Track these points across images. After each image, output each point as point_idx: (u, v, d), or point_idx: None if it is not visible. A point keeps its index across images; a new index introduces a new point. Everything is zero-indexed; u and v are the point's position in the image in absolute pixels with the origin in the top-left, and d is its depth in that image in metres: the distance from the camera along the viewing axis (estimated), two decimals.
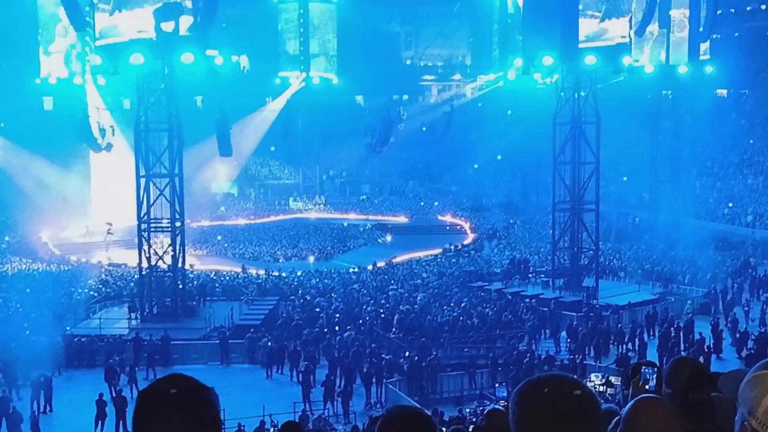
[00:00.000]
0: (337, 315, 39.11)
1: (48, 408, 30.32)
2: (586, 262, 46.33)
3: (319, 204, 77.23)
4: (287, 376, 34.22)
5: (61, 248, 58.80)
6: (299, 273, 50.19)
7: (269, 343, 35.51)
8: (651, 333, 38.16)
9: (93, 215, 63.02)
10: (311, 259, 57.17)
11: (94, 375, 33.32)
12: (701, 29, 53.73)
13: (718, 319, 38.07)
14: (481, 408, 27.26)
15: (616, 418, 3.90)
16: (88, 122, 51.28)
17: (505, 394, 28.42)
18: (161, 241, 42.98)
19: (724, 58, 58.02)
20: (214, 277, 49.60)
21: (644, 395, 3.58)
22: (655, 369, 4.40)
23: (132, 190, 41.91)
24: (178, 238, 41.49)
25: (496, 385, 31.12)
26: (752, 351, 33.66)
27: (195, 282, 46.44)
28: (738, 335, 36.25)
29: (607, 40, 43.58)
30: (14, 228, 58.58)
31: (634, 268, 49.32)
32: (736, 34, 70.73)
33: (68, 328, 37.90)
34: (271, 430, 24.77)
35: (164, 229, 41.78)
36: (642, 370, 4.44)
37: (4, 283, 47.21)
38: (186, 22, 38.73)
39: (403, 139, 76.12)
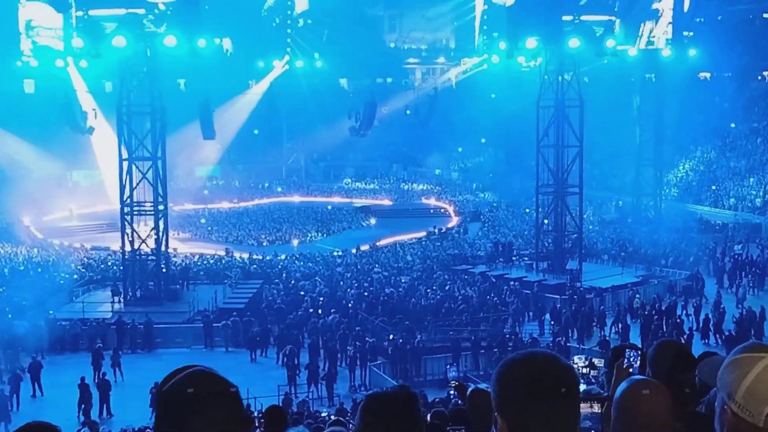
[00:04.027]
0: (321, 298, 39.12)
1: (40, 392, 30.37)
2: (569, 245, 46.44)
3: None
4: (272, 360, 34.24)
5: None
6: (283, 256, 50.14)
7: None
8: (634, 315, 38.33)
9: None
10: (295, 242, 57.08)
11: (78, 359, 33.29)
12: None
13: (700, 302, 38.28)
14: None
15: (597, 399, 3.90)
16: (72, 105, 51.03)
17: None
18: (145, 225, 42.83)
19: (707, 42, 58.11)
20: (198, 261, 49.48)
21: (638, 377, 3.58)
22: (639, 352, 4.41)
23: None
24: (161, 222, 41.36)
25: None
26: (733, 333, 33.89)
27: (178, 265, 46.32)
28: (718, 317, 36.42)
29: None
30: None
31: (617, 251, 49.49)
32: (720, 17, 70.87)
33: (51, 311, 37.75)
34: (255, 413, 24.77)
35: (147, 212, 41.62)
36: (626, 353, 4.45)
37: None
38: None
39: (386, 122, 76.11)
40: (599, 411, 3.20)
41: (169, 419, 2.61)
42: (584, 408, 3.20)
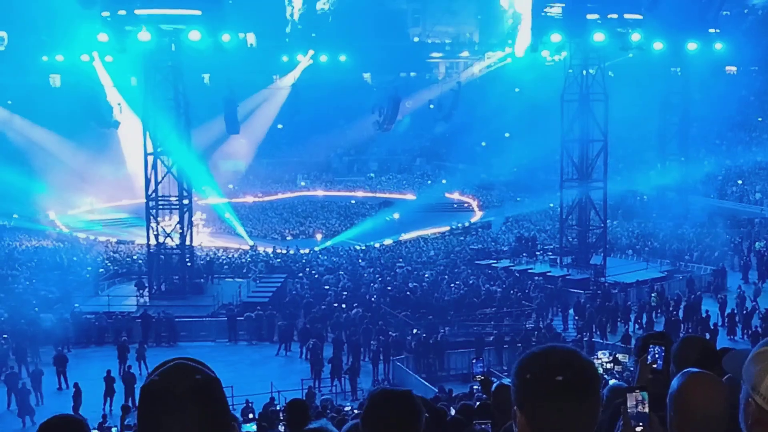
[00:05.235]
0: (345, 293, 39.17)
1: (66, 385, 30.49)
2: (593, 240, 46.27)
3: None
4: (295, 353, 34.33)
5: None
6: (306, 250, 50.25)
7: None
8: (659, 311, 38.11)
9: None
10: (318, 236, 57.18)
11: (104, 352, 33.52)
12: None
13: (725, 297, 38.02)
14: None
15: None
16: (97, 99, 51.36)
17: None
18: (171, 219, 43.04)
19: (733, 35, 57.64)
20: (222, 255, 49.66)
21: (693, 369, 3.54)
22: (663, 348, 4.39)
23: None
24: (186, 216, 41.54)
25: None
26: (759, 329, 33.65)
27: (203, 259, 46.50)
28: (744, 313, 36.17)
29: None
30: (24, 204, 58.49)
31: (641, 245, 49.24)
32: (746, 10, 70.31)
33: (77, 305, 38.03)
34: (278, 406, 24.85)
35: (172, 206, 41.82)
36: (650, 349, 4.43)
37: (12, 261, 47.32)
38: None
39: (410, 116, 76.07)
40: (647, 410, 3.16)
41: (144, 418, 2.54)
42: (632, 408, 3.16)
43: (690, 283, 41.08)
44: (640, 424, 3.09)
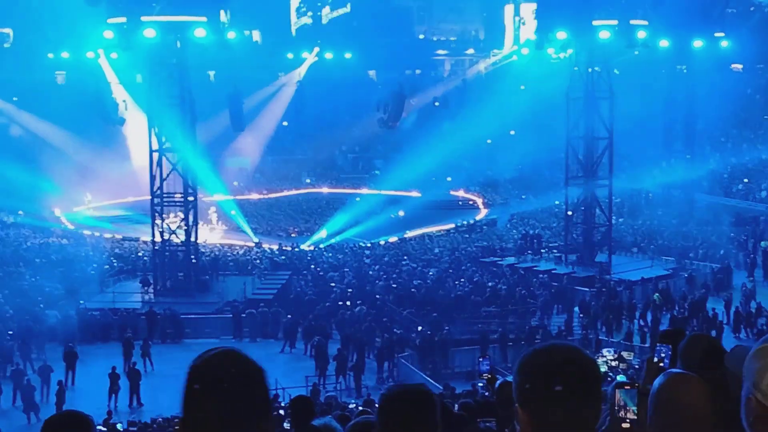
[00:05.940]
0: (350, 290, 39.17)
1: (72, 381, 30.52)
2: (599, 238, 46.20)
3: None
4: (300, 350, 34.36)
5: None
6: (311, 247, 50.22)
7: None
8: (664, 308, 38.05)
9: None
10: (323, 233, 57.13)
11: (108, 349, 33.56)
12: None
13: (731, 295, 37.96)
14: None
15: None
16: (102, 96, 51.38)
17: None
18: (176, 216, 43.05)
19: (739, 33, 57.52)
20: (227, 252, 49.65)
21: (675, 370, 3.55)
22: (670, 346, 4.39)
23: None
24: (191, 213, 41.56)
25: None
26: (764, 327, 33.62)
27: (208, 256, 46.50)
28: (749, 311, 36.13)
29: None
30: (30, 201, 58.49)
31: (647, 243, 49.16)
32: (752, 8, 70.17)
33: (82, 301, 38.08)
34: (282, 403, 24.86)
35: (177, 203, 41.84)
36: (656, 348, 4.44)
37: (17, 257, 47.35)
38: None
39: (415, 113, 75.95)
40: (635, 416, 3.15)
41: (186, 397, 2.63)
42: (619, 408, 3.16)
43: (690, 281, 41.04)
44: (627, 419, 3.09)
